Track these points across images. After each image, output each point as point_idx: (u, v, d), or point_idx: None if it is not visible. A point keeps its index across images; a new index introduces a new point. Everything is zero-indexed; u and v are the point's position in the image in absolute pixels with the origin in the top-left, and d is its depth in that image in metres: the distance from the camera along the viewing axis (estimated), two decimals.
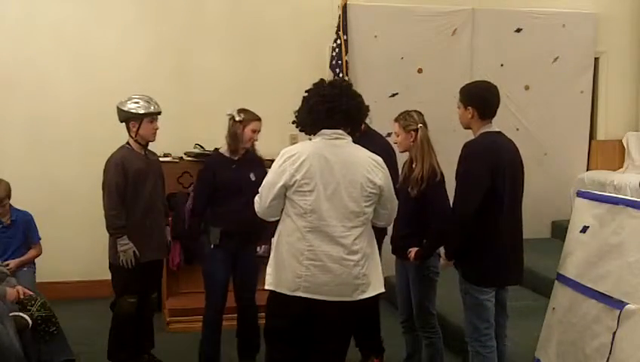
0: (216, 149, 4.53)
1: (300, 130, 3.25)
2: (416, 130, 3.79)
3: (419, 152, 3.76)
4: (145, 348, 4.38)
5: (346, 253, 3.00)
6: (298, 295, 3.01)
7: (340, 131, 3.10)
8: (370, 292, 3.09)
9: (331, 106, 3.07)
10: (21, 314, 3.87)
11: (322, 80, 3.22)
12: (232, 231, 4.11)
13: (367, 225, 3.10)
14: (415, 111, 3.91)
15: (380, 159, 3.16)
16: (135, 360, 4.30)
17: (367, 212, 3.07)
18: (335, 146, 3.07)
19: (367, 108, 4.26)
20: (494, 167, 3.35)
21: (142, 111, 4.08)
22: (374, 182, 3.06)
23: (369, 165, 3.09)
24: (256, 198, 3.16)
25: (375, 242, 3.19)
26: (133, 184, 4.09)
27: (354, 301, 3.05)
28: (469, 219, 3.35)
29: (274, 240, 3.14)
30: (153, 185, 4.19)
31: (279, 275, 3.07)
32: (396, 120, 3.91)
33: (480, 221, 3.34)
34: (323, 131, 3.09)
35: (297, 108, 3.20)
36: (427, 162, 3.71)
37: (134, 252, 4.05)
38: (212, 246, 4.16)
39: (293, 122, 3.23)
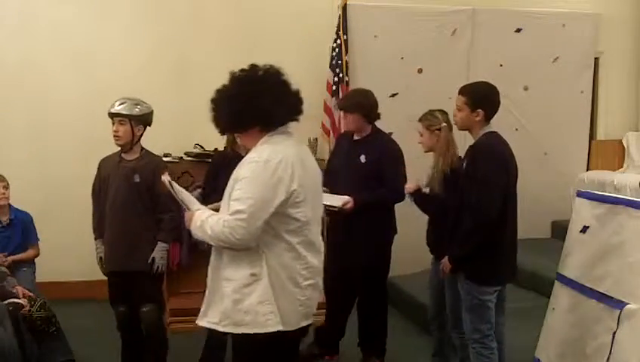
0: (215, 149, 4.51)
1: (262, 128, 2.61)
2: (440, 130, 3.80)
3: (440, 152, 3.77)
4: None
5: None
6: (301, 326, 2.55)
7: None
8: None
9: (296, 93, 2.60)
10: (14, 299, 3.86)
11: (253, 65, 2.59)
12: None
13: None
14: (439, 110, 3.91)
15: None
16: None
17: None
18: (298, 144, 2.64)
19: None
20: (508, 167, 3.35)
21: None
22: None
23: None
24: (237, 223, 2.44)
25: None
26: (104, 189, 4.03)
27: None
28: (493, 225, 3.28)
29: (261, 272, 2.49)
30: (115, 193, 3.96)
31: (282, 310, 2.48)
32: (420, 120, 3.91)
33: None
34: (284, 128, 2.59)
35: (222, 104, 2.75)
36: (447, 161, 3.73)
37: (100, 258, 4.03)
38: None
39: (251, 120, 2.62)
